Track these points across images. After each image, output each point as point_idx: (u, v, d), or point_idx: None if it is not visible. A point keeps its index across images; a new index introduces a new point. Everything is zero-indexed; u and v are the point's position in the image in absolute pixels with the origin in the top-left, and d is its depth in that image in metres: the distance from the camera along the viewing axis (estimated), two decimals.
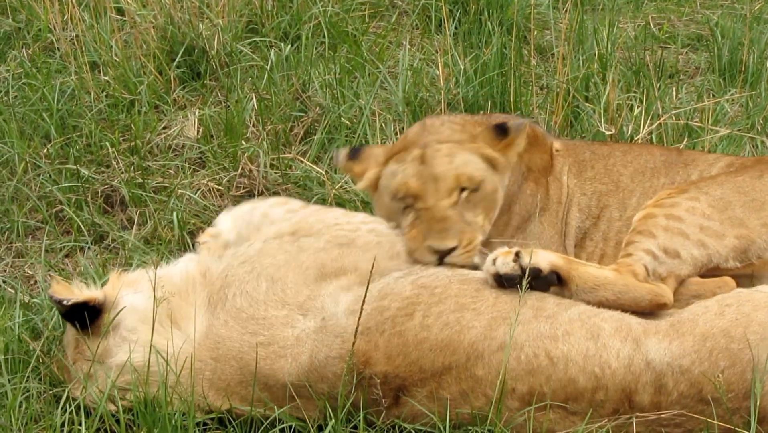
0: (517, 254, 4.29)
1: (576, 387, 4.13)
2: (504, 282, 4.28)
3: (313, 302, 4.32)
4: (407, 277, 4.39)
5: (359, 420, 4.18)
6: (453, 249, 4.46)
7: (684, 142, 5.98)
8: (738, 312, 4.18)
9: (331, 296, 4.33)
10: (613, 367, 4.11)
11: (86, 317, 4.32)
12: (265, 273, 4.41)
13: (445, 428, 4.14)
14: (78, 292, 4.39)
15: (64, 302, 4.31)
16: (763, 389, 4.07)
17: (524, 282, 4.22)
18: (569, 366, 4.13)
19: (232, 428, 4.25)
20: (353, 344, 4.16)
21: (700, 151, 5.43)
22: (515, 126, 4.73)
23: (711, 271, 4.49)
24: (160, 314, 4.32)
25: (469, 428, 4.17)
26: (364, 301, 4.21)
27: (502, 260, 4.29)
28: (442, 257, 4.46)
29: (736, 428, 4.06)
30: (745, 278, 4.49)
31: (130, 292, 4.44)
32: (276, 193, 5.64)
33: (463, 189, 4.56)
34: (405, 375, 4.22)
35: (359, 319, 4.18)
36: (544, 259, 4.32)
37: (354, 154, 4.86)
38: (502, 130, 4.72)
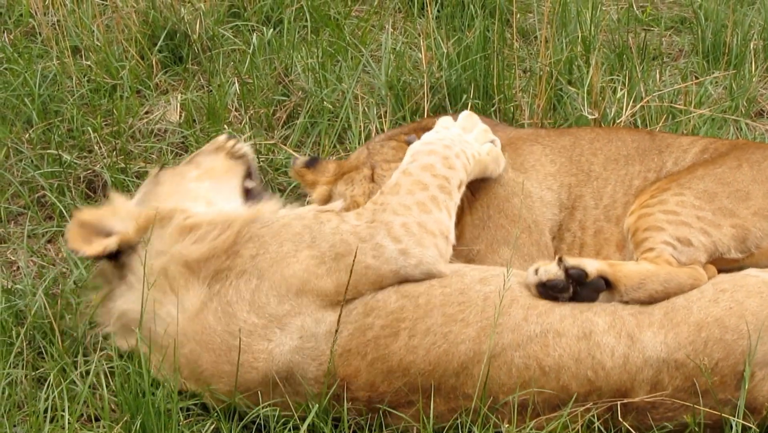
0: (560, 259, 4.24)
1: (569, 394, 4.07)
2: (549, 290, 4.20)
3: (292, 318, 4.18)
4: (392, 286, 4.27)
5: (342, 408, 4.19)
6: None
7: (667, 124, 5.98)
8: (732, 299, 4.16)
9: (312, 314, 4.19)
10: (607, 368, 4.07)
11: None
12: (261, 265, 4.24)
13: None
14: (103, 235, 4.37)
15: (79, 253, 4.36)
16: (753, 380, 4.07)
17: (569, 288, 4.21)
18: (561, 373, 4.07)
19: (215, 414, 4.26)
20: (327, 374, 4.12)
21: (672, 133, 5.42)
22: None
23: (717, 262, 4.51)
24: (161, 283, 4.26)
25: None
26: (337, 330, 4.15)
27: (545, 268, 4.22)
28: None
29: (723, 415, 4.06)
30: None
31: (158, 228, 4.37)
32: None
33: None
34: (390, 400, 4.14)
35: (333, 344, 4.12)
36: (589, 263, 4.27)
37: (311, 163, 4.91)
38: None
